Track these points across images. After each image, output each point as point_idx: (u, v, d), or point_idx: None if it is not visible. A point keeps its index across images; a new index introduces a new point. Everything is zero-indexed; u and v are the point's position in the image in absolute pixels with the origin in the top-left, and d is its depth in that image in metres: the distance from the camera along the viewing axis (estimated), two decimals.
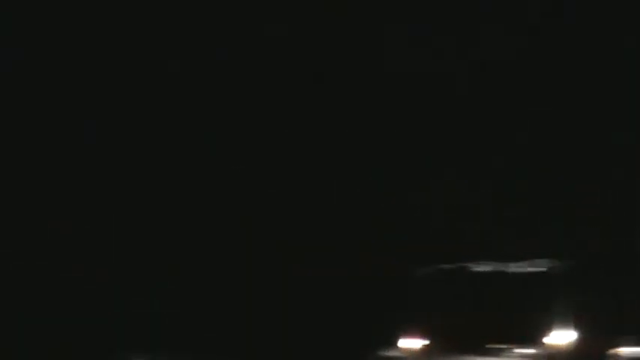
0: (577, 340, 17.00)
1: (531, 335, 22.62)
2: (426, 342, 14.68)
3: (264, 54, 22.67)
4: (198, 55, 22.94)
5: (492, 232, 23.23)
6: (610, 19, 16.31)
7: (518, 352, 26.03)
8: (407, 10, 20.11)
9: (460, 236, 22.52)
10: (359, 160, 21.70)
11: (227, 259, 19.26)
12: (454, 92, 19.42)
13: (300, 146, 23.20)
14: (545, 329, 18.20)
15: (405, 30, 20.70)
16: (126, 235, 19.56)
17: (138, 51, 22.89)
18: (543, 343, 17.66)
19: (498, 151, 18.60)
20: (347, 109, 21.98)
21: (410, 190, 20.88)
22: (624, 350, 18.98)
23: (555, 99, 17.18)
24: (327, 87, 22.18)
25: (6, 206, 21.49)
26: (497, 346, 25.02)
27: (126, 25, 21.72)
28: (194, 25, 21.98)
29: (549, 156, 16.97)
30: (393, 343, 17.77)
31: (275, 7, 21.40)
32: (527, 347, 25.29)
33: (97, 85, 23.63)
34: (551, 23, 17.98)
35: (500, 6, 18.72)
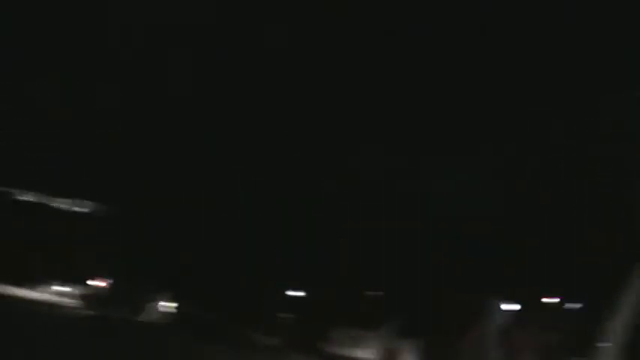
0: (113, 285, 17.14)
1: (74, 274, 23.04)
2: None
3: (263, 54, 22.64)
4: (199, 55, 22.93)
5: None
6: (610, 19, 16.27)
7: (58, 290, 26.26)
8: (407, 10, 20.08)
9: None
10: None
11: None
12: (452, 89, 19.41)
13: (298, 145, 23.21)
14: (88, 270, 18.47)
15: (405, 30, 20.67)
16: None
17: (138, 51, 22.87)
18: (86, 284, 17.96)
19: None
20: (346, 107, 21.96)
21: None
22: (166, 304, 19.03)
23: (554, 98, 17.14)
24: (326, 86, 22.15)
25: None
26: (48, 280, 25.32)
27: (126, 25, 21.70)
28: (194, 25, 21.95)
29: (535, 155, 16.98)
30: None
31: (275, 7, 21.38)
32: (68, 285, 25.43)
33: (96, 85, 23.61)
34: (551, 23, 17.95)
35: (500, 6, 18.68)
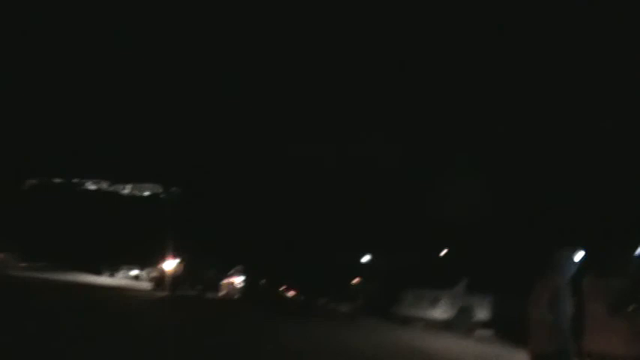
0: (181, 265, 17.75)
1: (146, 258, 24.34)
2: None
3: (263, 54, 22.63)
4: (199, 55, 22.90)
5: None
6: (610, 18, 16.34)
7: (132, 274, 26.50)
8: (408, 10, 20.12)
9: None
10: None
11: None
12: (454, 90, 19.46)
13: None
14: (158, 254, 19.43)
15: (405, 30, 20.70)
16: None
17: (138, 51, 22.82)
18: (159, 268, 18.84)
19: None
20: (346, 107, 21.99)
21: None
22: (236, 280, 19.69)
23: (554, 97, 17.23)
24: (325, 86, 22.14)
25: None
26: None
27: (126, 25, 21.67)
28: (195, 27, 21.92)
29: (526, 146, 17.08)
30: None
31: (275, 7, 21.38)
32: (142, 268, 26.95)
33: (97, 86, 23.59)
34: (553, 23, 18.02)
35: (500, 6, 18.77)
